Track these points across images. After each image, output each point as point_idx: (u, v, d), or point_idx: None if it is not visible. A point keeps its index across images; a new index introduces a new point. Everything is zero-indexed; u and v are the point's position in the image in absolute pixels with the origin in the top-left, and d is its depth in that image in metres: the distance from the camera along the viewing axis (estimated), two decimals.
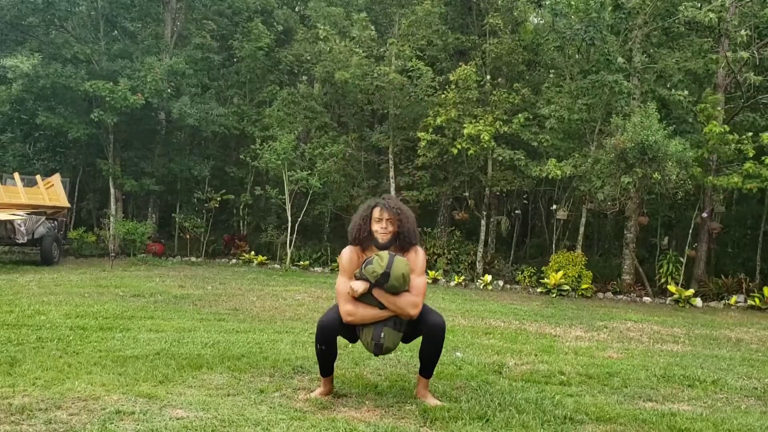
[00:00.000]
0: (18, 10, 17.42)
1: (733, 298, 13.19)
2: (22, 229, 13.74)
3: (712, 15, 12.75)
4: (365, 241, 4.30)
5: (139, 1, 18.88)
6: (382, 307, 4.11)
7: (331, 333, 4.20)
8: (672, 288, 13.34)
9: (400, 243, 4.26)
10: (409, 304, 4.11)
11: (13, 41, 18.56)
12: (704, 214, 14.51)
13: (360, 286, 4.08)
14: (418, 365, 4.38)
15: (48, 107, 17.51)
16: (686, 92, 13.59)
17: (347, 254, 4.31)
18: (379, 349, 4.15)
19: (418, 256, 4.28)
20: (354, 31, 15.84)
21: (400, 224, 4.25)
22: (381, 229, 4.23)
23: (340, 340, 4.34)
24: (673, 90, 13.62)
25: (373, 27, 16.38)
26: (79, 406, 3.81)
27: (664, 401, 4.77)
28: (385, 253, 4.12)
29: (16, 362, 4.90)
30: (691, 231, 14.89)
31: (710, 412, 4.48)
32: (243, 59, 19.30)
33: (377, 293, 4.08)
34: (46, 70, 15.95)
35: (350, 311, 4.13)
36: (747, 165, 12.83)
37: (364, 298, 4.11)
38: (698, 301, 12.97)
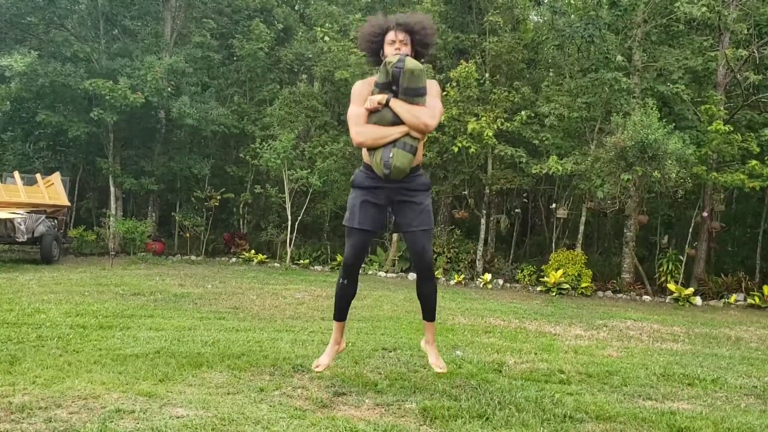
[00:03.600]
0: (17, 9, 17.39)
1: (733, 297, 13.20)
2: (22, 227, 13.74)
3: (705, 9, 12.73)
4: (376, 61, 4.28)
5: (139, 0, 18.87)
6: (394, 124, 4.07)
7: (355, 268, 4.30)
8: (672, 287, 13.34)
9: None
10: (427, 114, 4.08)
11: (13, 40, 18.55)
12: (704, 213, 14.52)
13: (379, 96, 4.06)
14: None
15: (48, 106, 17.49)
16: (684, 86, 13.57)
17: (359, 84, 4.29)
18: (388, 168, 4.07)
19: (432, 83, 4.22)
20: (352, 32, 15.82)
21: (418, 41, 4.22)
22: (394, 51, 4.16)
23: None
24: (671, 85, 13.59)
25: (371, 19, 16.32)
26: (79, 405, 3.81)
27: (664, 400, 4.77)
28: (396, 56, 4.07)
29: (16, 361, 4.90)
30: (690, 230, 14.90)
31: (710, 411, 4.48)
32: (243, 58, 19.29)
33: (394, 104, 4.04)
34: (45, 69, 15.94)
35: (360, 131, 4.11)
36: (752, 163, 12.82)
37: (376, 121, 4.09)
38: (698, 300, 12.98)
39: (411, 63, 4.00)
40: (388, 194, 4.19)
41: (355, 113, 4.14)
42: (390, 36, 4.19)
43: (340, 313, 4.43)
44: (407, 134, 4.07)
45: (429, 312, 4.44)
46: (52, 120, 16.90)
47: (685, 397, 4.89)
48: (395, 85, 4.04)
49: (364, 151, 4.24)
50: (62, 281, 10.69)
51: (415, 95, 4.05)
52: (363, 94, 4.18)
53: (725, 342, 8.08)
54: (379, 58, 4.25)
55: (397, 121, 4.06)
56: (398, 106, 4.03)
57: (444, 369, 4.39)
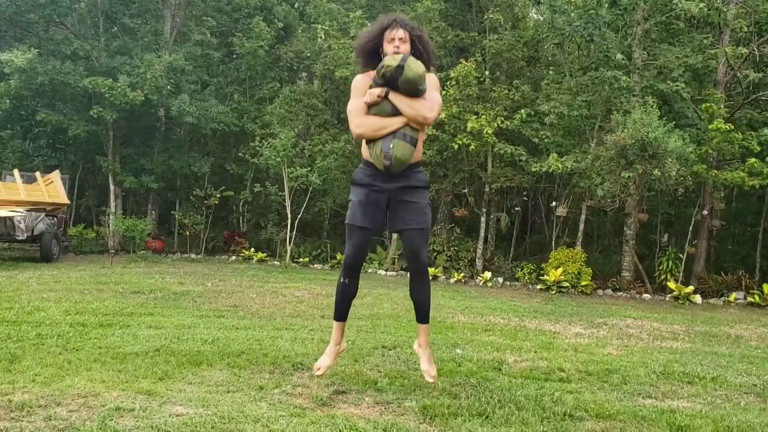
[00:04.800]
0: (17, 7, 17.38)
1: (733, 295, 13.20)
2: (22, 225, 13.74)
3: (702, 5, 12.72)
4: (375, 61, 4.19)
5: None
6: (394, 115, 4.05)
7: (355, 267, 4.26)
8: (672, 285, 13.34)
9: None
10: (425, 107, 4.05)
11: (12, 38, 18.56)
12: (704, 211, 14.52)
13: (378, 90, 4.03)
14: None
15: (47, 104, 17.51)
16: (684, 84, 13.56)
17: (359, 78, 4.23)
18: (389, 160, 4.04)
19: (431, 76, 4.18)
20: (352, 30, 15.80)
21: (414, 43, 4.16)
22: (393, 48, 4.11)
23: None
24: (671, 83, 13.59)
25: (370, 25, 16.27)
26: (79, 403, 3.81)
27: (664, 398, 4.77)
28: (398, 55, 4.04)
29: (16, 359, 4.90)
30: (690, 228, 14.91)
31: (710, 409, 4.48)
32: (243, 56, 19.30)
33: (393, 97, 4.02)
34: (45, 67, 15.94)
35: (359, 123, 4.08)
36: (751, 161, 12.82)
37: (376, 113, 4.07)
38: (698, 298, 12.98)
39: (411, 71, 3.96)
40: (387, 191, 4.17)
41: (355, 106, 4.12)
42: (389, 33, 4.14)
43: (341, 313, 4.38)
44: (407, 125, 4.06)
45: (422, 314, 4.36)
46: (51, 118, 16.92)
47: (684, 396, 4.89)
48: (394, 84, 4.02)
49: (364, 146, 4.22)
50: (62, 279, 10.69)
51: (415, 94, 4.04)
52: (363, 88, 4.15)
53: (725, 340, 8.08)
54: (378, 58, 4.18)
55: (397, 113, 4.04)
56: (397, 98, 4.02)
57: (434, 378, 4.30)
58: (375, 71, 4.10)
